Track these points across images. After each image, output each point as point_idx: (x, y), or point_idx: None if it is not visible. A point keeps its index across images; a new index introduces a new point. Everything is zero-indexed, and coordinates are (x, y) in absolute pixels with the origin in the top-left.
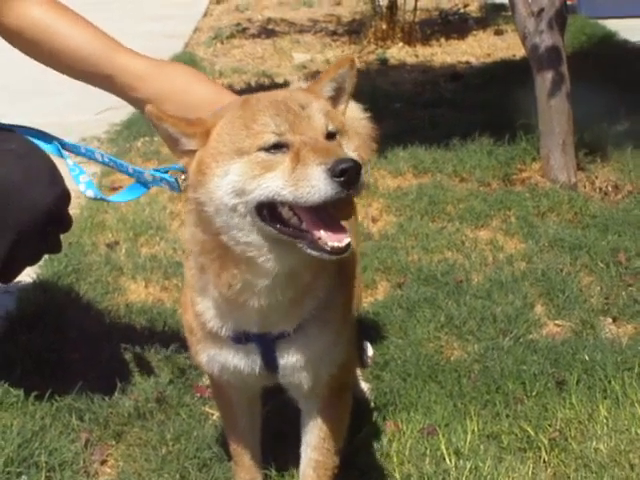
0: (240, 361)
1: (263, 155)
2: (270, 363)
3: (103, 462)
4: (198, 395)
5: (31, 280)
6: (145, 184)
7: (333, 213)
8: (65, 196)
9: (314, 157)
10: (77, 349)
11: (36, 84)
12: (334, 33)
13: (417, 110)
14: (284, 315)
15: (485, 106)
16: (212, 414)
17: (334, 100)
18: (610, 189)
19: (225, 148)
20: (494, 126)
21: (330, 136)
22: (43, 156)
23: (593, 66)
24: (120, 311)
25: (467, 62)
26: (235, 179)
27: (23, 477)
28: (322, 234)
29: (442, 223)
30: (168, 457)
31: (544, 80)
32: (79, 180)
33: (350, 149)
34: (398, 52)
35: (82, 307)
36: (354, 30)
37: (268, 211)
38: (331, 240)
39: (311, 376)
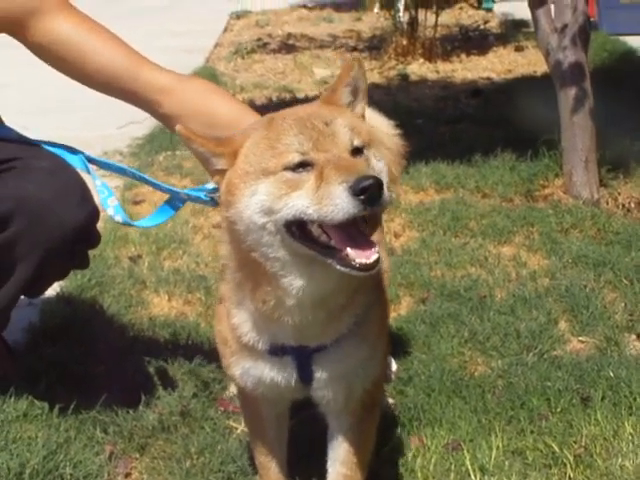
0: (275, 374)
1: (288, 175)
2: (305, 376)
3: (127, 475)
4: (222, 409)
5: (54, 293)
6: (175, 204)
7: (363, 228)
8: (95, 214)
9: (336, 175)
10: (101, 362)
11: (57, 99)
12: (354, 49)
13: (439, 126)
14: (321, 330)
15: (506, 122)
16: (236, 428)
17: (352, 103)
18: (633, 205)
19: (252, 168)
20: (516, 142)
21: (356, 151)
22: (74, 174)
23: (614, 83)
24: (143, 324)
25: (488, 78)
26: (263, 199)
27: None
28: (350, 251)
29: (465, 239)
30: (192, 470)
31: (567, 96)
32: (107, 204)
33: (379, 159)
34: (419, 68)
35: (106, 320)
36: (374, 46)
37: (297, 228)
38: (359, 257)
39: (345, 390)
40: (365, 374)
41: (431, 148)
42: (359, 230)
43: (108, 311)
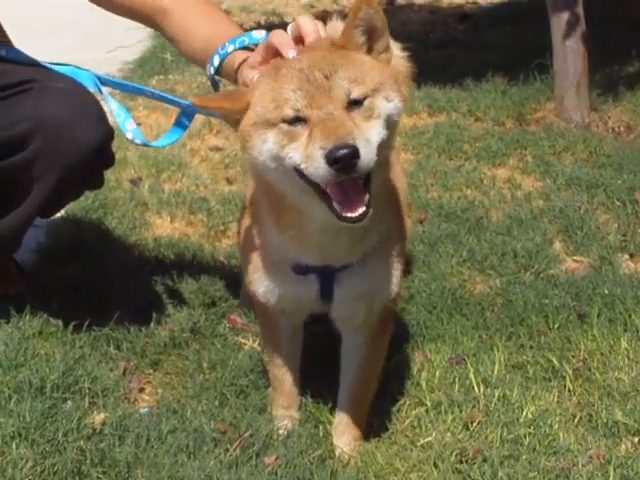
0: (298, 290)
1: (285, 127)
2: (327, 294)
3: (141, 390)
4: (230, 326)
5: (59, 215)
6: (183, 124)
7: (359, 182)
8: (110, 134)
9: (319, 138)
10: (111, 281)
11: (45, 23)
12: None
13: (428, 50)
14: (346, 251)
15: (496, 47)
16: (245, 344)
17: (368, 43)
18: (622, 129)
19: (259, 119)
20: (507, 66)
21: (354, 103)
22: (89, 95)
23: (603, 6)
24: (149, 245)
25: (475, 2)
26: (271, 147)
27: (68, 402)
28: (336, 205)
29: (459, 161)
30: (206, 384)
31: (560, 21)
32: (125, 127)
33: (390, 100)
34: None
35: (112, 241)
36: None
37: None
38: (345, 211)
39: (366, 306)
40: (386, 290)
41: (422, 72)
42: (355, 183)
43: (113, 232)
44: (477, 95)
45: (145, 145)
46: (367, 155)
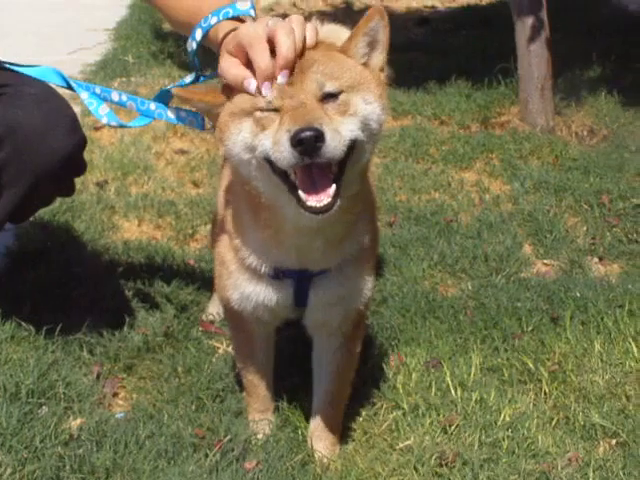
0: (272, 296)
1: (259, 114)
2: (301, 299)
3: (115, 394)
4: (203, 330)
5: None
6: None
7: (328, 173)
8: (83, 143)
9: (287, 122)
10: (82, 285)
11: (4, 24)
12: None
13: (389, 54)
14: (322, 256)
15: (457, 51)
16: (219, 347)
17: (368, 54)
18: (586, 133)
19: (237, 109)
20: (469, 70)
21: (328, 97)
22: (63, 102)
23: (562, 12)
24: (118, 249)
25: (432, 7)
26: (245, 136)
27: (44, 407)
28: (301, 193)
29: (427, 165)
30: (181, 389)
31: (524, 25)
32: (99, 112)
33: (368, 102)
34: None
35: (81, 245)
36: None
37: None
38: (309, 200)
39: (341, 312)
40: (360, 296)
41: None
42: (321, 173)
43: (82, 236)
44: (441, 99)
45: (121, 126)
46: (333, 142)
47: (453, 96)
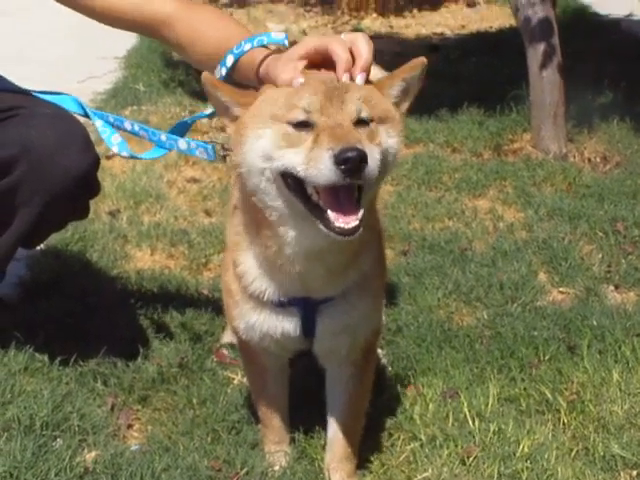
0: (279, 325)
1: (290, 129)
2: (308, 328)
3: (129, 426)
4: (218, 360)
5: (38, 248)
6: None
7: (353, 195)
8: (96, 163)
9: (327, 141)
10: (95, 315)
11: (14, 53)
12: (306, 3)
13: None
14: (325, 283)
15: (469, 78)
16: (233, 378)
17: (400, 100)
18: (599, 160)
19: (262, 112)
20: (481, 97)
21: (361, 122)
22: (76, 122)
23: (571, 39)
24: (131, 278)
25: (442, 34)
26: (265, 144)
27: (58, 440)
28: (330, 213)
29: (440, 192)
30: (196, 420)
31: (536, 52)
32: (111, 141)
33: (392, 136)
34: (372, 23)
35: (94, 274)
36: (327, 0)
37: (293, 182)
38: (338, 221)
39: (349, 341)
40: (368, 325)
41: None
42: (349, 195)
43: (95, 265)
44: (453, 126)
45: (132, 157)
46: (372, 164)
47: (465, 123)
